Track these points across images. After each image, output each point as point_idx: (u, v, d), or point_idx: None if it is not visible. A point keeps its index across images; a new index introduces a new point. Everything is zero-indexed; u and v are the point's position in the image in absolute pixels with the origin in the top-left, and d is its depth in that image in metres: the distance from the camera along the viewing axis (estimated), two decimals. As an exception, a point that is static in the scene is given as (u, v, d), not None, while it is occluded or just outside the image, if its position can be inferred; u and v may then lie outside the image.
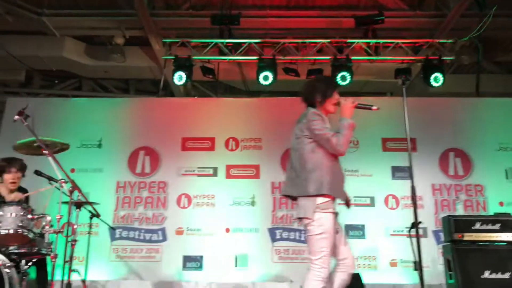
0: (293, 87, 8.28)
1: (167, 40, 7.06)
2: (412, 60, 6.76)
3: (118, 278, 6.06)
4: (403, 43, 6.75)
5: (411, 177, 3.70)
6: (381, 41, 6.70)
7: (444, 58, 6.68)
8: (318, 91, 3.06)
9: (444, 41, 6.70)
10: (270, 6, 7.18)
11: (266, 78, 6.80)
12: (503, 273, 4.31)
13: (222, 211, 6.42)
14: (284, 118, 6.85)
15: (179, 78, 6.79)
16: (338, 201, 2.93)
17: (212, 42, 6.89)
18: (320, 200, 2.72)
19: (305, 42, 6.89)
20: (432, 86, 6.67)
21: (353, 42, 6.76)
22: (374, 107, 3.00)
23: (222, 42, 6.85)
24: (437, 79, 6.57)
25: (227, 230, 6.35)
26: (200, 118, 6.94)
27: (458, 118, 6.69)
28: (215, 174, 6.60)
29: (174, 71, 6.83)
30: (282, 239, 6.31)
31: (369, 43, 6.71)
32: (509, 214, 4.66)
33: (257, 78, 6.84)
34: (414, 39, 6.87)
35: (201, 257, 6.21)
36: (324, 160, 2.83)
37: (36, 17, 6.61)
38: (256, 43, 6.95)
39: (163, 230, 6.36)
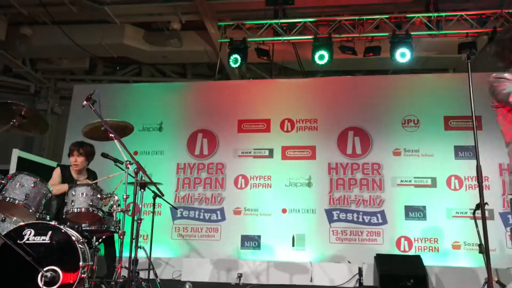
0: (350, 66, 8.09)
1: (222, 24, 7.11)
2: (478, 33, 6.34)
3: (180, 256, 6.32)
4: (468, 15, 6.34)
5: (476, 156, 3.50)
6: (443, 14, 6.35)
7: (517, 28, 6.20)
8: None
9: (514, 11, 6.22)
10: (323, -17, 6.99)
11: (321, 57, 6.68)
12: None
13: (279, 192, 6.46)
14: (340, 98, 6.75)
15: (235, 60, 6.84)
16: None
17: (266, 23, 6.85)
18: None
19: (362, 19, 6.67)
20: (500, 60, 6.22)
21: (413, 17, 6.46)
22: None
23: (276, 23, 6.79)
24: (507, 52, 6.10)
25: (284, 210, 6.39)
26: (255, 100, 6.97)
27: (529, 93, 6.22)
28: (270, 155, 6.64)
29: (230, 54, 6.89)
30: (339, 220, 6.26)
31: (430, 17, 6.37)
32: None
33: (313, 58, 6.73)
34: (480, 10, 6.44)
35: (259, 236, 6.31)
36: None
37: (98, 6, 6.88)
38: (311, 22, 6.81)
39: (221, 210, 6.51)
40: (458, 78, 6.60)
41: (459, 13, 6.37)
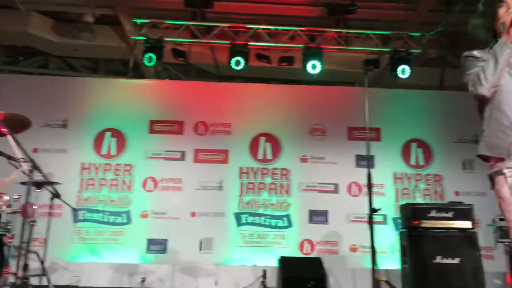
0: (266, 74, 8.30)
1: (138, 21, 6.92)
2: (381, 51, 6.86)
3: (80, 260, 6.02)
4: (373, 34, 6.82)
5: (368, 165, 3.80)
6: (352, 31, 6.76)
7: (412, 50, 6.81)
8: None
9: (413, 34, 6.82)
10: (245, -9, 7.13)
11: (238, 63, 6.79)
12: (453, 258, 4.51)
13: (189, 195, 6.44)
14: (254, 104, 6.92)
15: (149, 59, 6.69)
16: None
17: (184, 25, 6.80)
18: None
19: (277, 29, 6.88)
20: (399, 77, 6.80)
21: (325, 31, 6.80)
22: None
23: (194, 25, 6.78)
24: (404, 71, 6.69)
25: (193, 214, 6.38)
26: (169, 101, 6.89)
27: (422, 109, 6.88)
28: (182, 158, 6.59)
29: (145, 52, 6.72)
30: (247, 223, 6.39)
31: (340, 32, 6.76)
32: (462, 202, 4.86)
33: (229, 63, 6.81)
34: (384, 30, 6.97)
35: (166, 240, 6.22)
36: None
37: (-1, -10, 6.37)
38: (228, 27, 6.90)
39: (127, 213, 6.33)
40: (363, 91, 7.07)
41: (365, 32, 6.84)
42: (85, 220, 6.28)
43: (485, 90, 2.15)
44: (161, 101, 6.87)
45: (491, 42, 2.29)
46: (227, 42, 6.83)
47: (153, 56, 6.64)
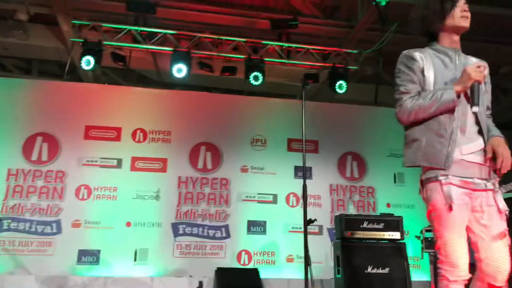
0: (209, 83, 8.28)
1: (77, 22, 6.67)
2: (320, 66, 7.08)
3: (3, 273, 5.62)
4: (314, 49, 7.04)
5: (304, 176, 3.88)
6: (294, 45, 6.93)
7: (349, 67, 7.10)
8: (430, 10, 2.24)
9: (350, 51, 7.11)
10: (189, -1, 7.10)
11: (179, 70, 6.72)
12: (383, 268, 4.70)
13: (124, 204, 6.23)
14: (195, 113, 6.86)
15: (87, 62, 6.46)
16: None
17: (125, 29, 6.63)
18: None
19: (221, 39, 6.90)
20: (337, 92, 7.05)
21: (267, 44, 6.92)
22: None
23: (136, 30, 6.63)
24: (341, 87, 6.95)
25: (128, 224, 6.18)
26: (107, 106, 6.66)
27: (357, 124, 7.16)
28: (119, 165, 6.38)
29: (82, 55, 6.48)
30: (185, 234, 6.28)
31: (282, 46, 6.90)
32: (392, 214, 5.09)
33: (171, 70, 6.73)
34: (324, 46, 7.21)
35: (99, 251, 5.96)
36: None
37: None
38: (171, 34, 6.82)
39: (58, 222, 6.00)
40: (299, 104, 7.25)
41: (306, 46, 7.04)
42: (9, 229, 5.87)
43: (404, 122, 2.20)
44: (98, 106, 6.62)
45: (428, 42, 2.31)
46: (170, 49, 6.76)
47: (92, 59, 6.42)
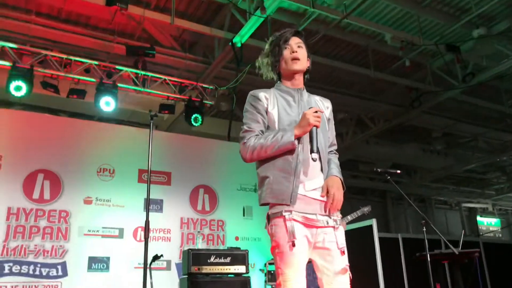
0: (54, 104, 7.60)
1: None
2: (177, 98, 7.09)
3: None
4: (170, 80, 7.03)
5: (147, 210, 3.75)
6: (150, 74, 6.83)
7: (205, 101, 7.25)
8: (271, 54, 2.37)
9: (207, 86, 7.29)
10: (36, 12, 6.52)
11: (18, 88, 6.05)
12: (227, 303, 4.73)
13: None
14: (34, 136, 6.19)
15: None
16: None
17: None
18: None
19: (70, 59, 6.44)
20: (192, 125, 7.11)
21: (122, 70, 6.69)
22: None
23: (-35, 38, 5.79)
24: (197, 120, 7.05)
25: None
26: None
27: (211, 157, 7.27)
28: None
29: None
30: (12, 273, 5.46)
31: (138, 73, 6.74)
32: (239, 248, 5.20)
33: (7, 87, 6.01)
34: (181, 78, 7.27)
35: None
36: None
37: None
38: (10, 48, 6.13)
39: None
40: (157, 135, 7.12)
41: (163, 77, 7.00)
42: (11, 273, 5.35)
43: (249, 159, 2.25)
44: None
45: (276, 81, 2.42)
46: (8, 63, 6.05)
47: None
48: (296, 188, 2.14)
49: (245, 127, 2.29)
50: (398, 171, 4.47)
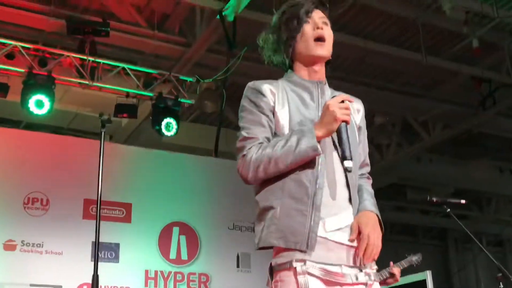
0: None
1: None
2: (141, 95, 7.07)
3: None
4: (131, 69, 7.02)
5: (95, 259, 3.72)
6: (101, 61, 6.83)
7: (182, 100, 7.23)
8: (281, 34, 2.35)
9: (185, 78, 7.28)
10: None
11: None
12: None
13: None
14: None
15: None
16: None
17: None
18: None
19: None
20: (163, 134, 7.07)
21: (61, 55, 6.69)
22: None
23: None
24: (170, 127, 7.01)
25: None
26: None
27: (189, 182, 7.21)
28: None
29: None
30: None
31: (84, 60, 6.73)
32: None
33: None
34: (148, 67, 7.25)
35: None
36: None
37: None
38: None
39: None
40: (112, 149, 7.10)
41: (121, 65, 6.98)
42: None
43: (250, 181, 2.17)
44: None
45: (286, 70, 2.39)
46: None
47: None
48: (315, 226, 2.09)
49: (243, 134, 2.24)
50: (463, 201, 4.41)
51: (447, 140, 9.48)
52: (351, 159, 2.09)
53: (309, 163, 2.13)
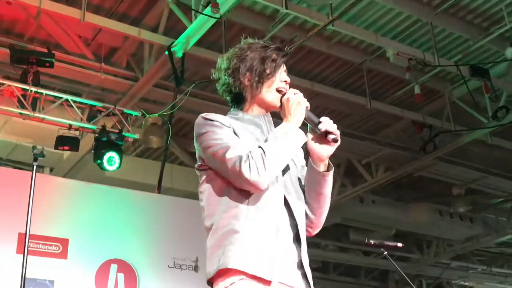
0: None
1: None
2: (83, 128, 6.97)
3: None
4: (75, 102, 6.91)
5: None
6: (44, 92, 6.70)
7: (126, 134, 7.13)
8: (248, 67, 2.31)
9: (130, 112, 7.20)
10: None
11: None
12: None
13: None
14: None
15: None
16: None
17: None
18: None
19: None
20: (104, 169, 6.95)
21: (3, 84, 6.54)
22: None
23: None
24: (111, 161, 6.89)
25: None
26: None
27: (129, 218, 7.07)
28: None
29: None
30: None
31: (26, 90, 6.59)
32: None
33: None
34: (92, 100, 7.16)
35: None
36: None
37: None
38: None
39: None
40: (49, 182, 6.95)
41: (64, 96, 6.87)
42: None
43: (265, 182, 2.08)
44: None
45: (231, 107, 2.40)
46: None
47: None
48: (278, 256, 2.04)
49: (223, 145, 2.13)
50: (399, 244, 4.46)
51: (389, 182, 9.61)
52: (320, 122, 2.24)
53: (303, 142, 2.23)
